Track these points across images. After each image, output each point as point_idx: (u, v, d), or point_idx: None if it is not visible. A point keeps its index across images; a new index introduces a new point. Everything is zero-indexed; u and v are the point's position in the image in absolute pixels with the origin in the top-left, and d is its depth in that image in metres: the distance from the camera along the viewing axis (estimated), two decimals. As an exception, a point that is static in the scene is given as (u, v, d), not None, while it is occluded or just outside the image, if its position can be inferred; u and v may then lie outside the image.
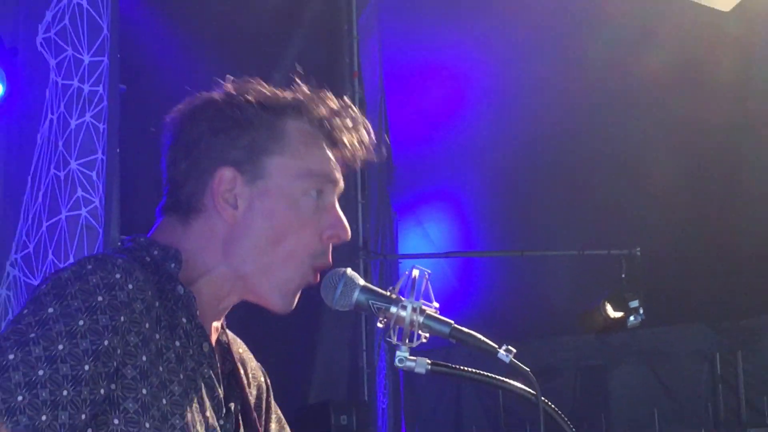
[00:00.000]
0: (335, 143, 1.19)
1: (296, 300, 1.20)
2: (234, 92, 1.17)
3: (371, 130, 1.24)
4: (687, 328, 8.33)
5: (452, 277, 7.26)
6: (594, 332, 7.63)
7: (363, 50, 6.29)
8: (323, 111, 1.19)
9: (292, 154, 1.16)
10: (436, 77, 6.59)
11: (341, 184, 1.22)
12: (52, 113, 3.82)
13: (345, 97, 1.25)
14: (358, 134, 1.20)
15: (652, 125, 7.15)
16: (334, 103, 1.20)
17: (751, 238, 7.18)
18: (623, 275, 6.80)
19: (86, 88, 3.79)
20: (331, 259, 1.20)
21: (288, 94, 1.19)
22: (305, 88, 1.21)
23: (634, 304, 6.73)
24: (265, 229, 1.15)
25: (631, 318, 6.86)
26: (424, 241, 7.40)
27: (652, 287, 7.01)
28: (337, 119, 1.19)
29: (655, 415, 7.91)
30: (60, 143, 3.78)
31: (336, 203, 1.22)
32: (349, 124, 1.20)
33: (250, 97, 1.16)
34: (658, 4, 6.58)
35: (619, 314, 6.92)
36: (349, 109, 1.22)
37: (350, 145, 1.20)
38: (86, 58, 3.80)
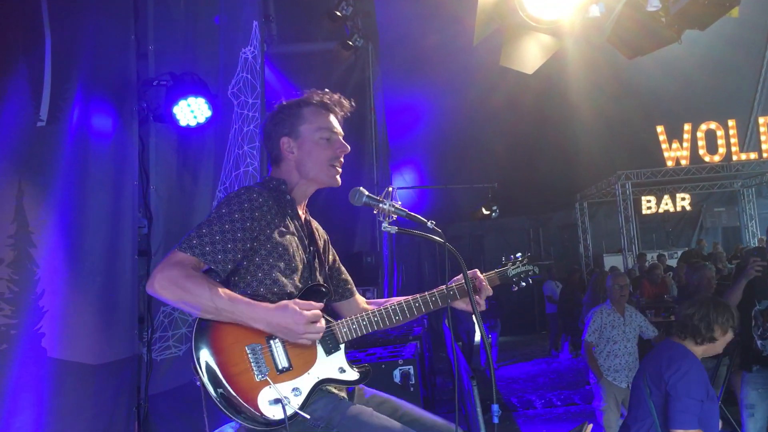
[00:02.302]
0: (331, 110, 2.45)
1: (339, 180, 2.44)
2: (284, 102, 2.46)
3: (347, 105, 2.51)
4: (517, 218, 17.15)
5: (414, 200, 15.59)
6: (477, 220, 16.08)
7: (376, 97, 13.73)
8: (323, 98, 2.43)
9: (310, 122, 2.40)
10: (410, 108, 14.45)
11: (338, 129, 2.45)
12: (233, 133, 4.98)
13: (338, 96, 2.49)
14: (342, 104, 2.47)
15: (508, 112, 15.13)
16: (330, 95, 2.46)
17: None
18: (489, 195, 15.07)
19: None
20: (342, 162, 2.45)
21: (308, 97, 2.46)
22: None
23: (494, 208, 15.06)
24: (309, 157, 2.39)
25: (493, 214, 15.23)
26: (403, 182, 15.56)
27: (505, 200, 15.42)
28: (330, 100, 2.45)
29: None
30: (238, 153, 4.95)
31: (339, 138, 2.45)
32: (336, 99, 2.46)
33: (287, 104, 2.44)
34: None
35: (488, 212, 15.28)
36: (339, 96, 2.46)
37: (339, 108, 2.46)
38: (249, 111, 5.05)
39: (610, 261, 15.73)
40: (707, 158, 15.03)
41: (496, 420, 1.96)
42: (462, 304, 2.49)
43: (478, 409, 2.98)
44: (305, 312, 2.08)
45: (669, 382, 3.14)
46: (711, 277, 6.40)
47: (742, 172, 16.70)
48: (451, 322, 3.71)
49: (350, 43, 10.24)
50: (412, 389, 5.22)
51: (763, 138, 14.97)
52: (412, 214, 2.27)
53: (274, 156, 2.45)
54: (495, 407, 1.98)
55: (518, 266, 2.65)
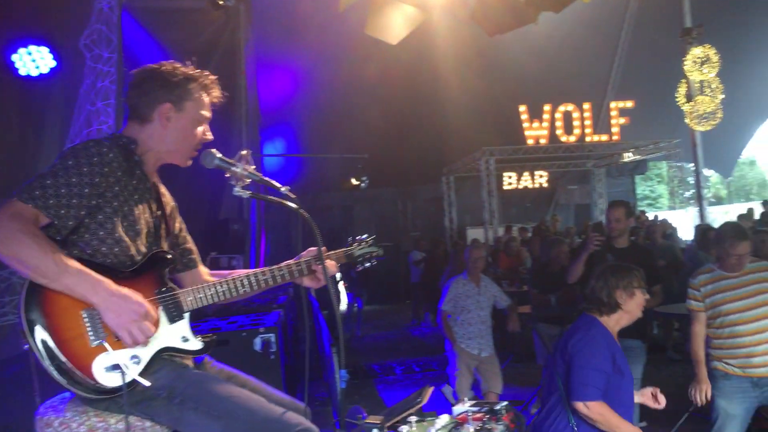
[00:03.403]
0: (211, 96, 2.38)
1: (189, 162, 2.35)
2: (175, 67, 2.30)
3: (221, 97, 2.41)
4: (386, 190, 17.46)
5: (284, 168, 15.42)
6: (347, 190, 16.18)
7: (247, 61, 13.40)
8: (211, 83, 2.37)
9: (196, 101, 2.31)
10: (283, 75, 14.19)
11: (209, 114, 2.35)
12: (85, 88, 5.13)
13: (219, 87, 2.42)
14: (220, 96, 2.40)
15: (384, 84, 15.24)
16: (216, 83, 2.38)
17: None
18: (360, 166, 15.20)
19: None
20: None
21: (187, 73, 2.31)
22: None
23: (364, 179, 15.21)
24: (179, 134, 2.29)
25: (362, 185, 15.38)
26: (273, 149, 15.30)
27: (376, 171, 15.61)
28: (214, 86, 2.38)
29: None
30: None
31: (207, 126, 2.36)
32: (219, 89, 2.39)
33: (178, 71, 2.30)
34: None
35: (357, 183, 15.41)
36: (213, 79, 2.38)
37: (216, 98, 2.39)
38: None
39: (473, 233, 16.37)
40: (564, 138, 15.92)
41: (343, 385, 2.01)
42: (308, 281, 2.45)
43: (337, 376, 3.03)
44: (143, 309, 2.00)
45: (571, 353, 3.04)
46: (565, 252, 6.84)
47: (594, 152, 17.87)
48: (318, 291, 3.71)
49: (220, 2, 9.88)
50: (273, 357, 5.22)
51: (613, 122, 16.05)
52: (266, 179, 2.22)
53: (142, 114, 2.28)
54: (342, 373, 2.02)
55: (363, 247, 2.65)
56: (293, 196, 2.22)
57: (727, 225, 4.24)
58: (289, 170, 16.04)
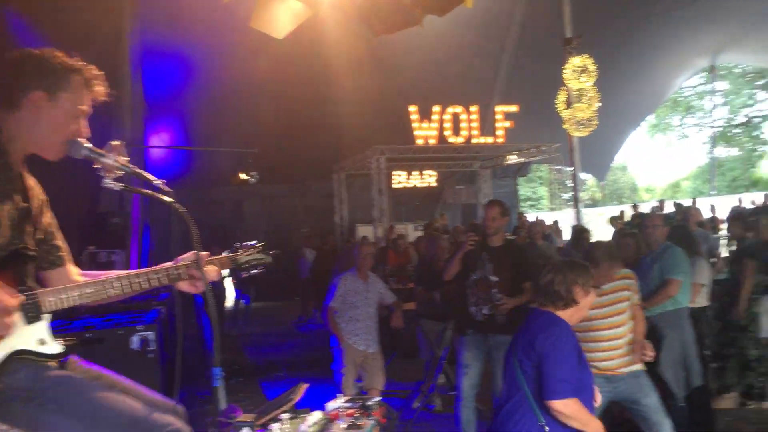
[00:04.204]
0: (93, 93, 2.21)
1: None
2: (52, 54, 2.14)
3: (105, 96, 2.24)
4: (277, 186, 17.30)
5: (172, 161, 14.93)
6: (237, 185, 15.89)
7: (132, 48, 12.87)
8: (95, 78, 2.19)
9: (73, 93, 2.13)
10: (171, 65, 13.72)
11: (88, 109, 2.18)
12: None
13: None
14: (104, 93, 2.23)
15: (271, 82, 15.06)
16: (102, 78, 2.21)
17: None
18: (249, 160, 14.96)
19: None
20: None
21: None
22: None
23: (253, 174, 15.00)
24: (50, 126, 2.12)
25: (252, 180, 15.16)
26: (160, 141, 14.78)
27: (267, 167, 15.41)
28: (99, 82, 2.20)
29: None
30: None
31: (85, 121, 2.17)
32: (104, 87, 2.22)
33: (56, 58, 2.13)
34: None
35: (247, 178, 15.17)
36: (98, 74, 2.20)
37: (99, 95, 2.22)
38: None
39: (363, 231, 16.50)
40: (452, 139, 16.33)
41: (216, 383, 1.99)
42: (186, 287, 2.33)
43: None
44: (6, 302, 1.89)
45: (541, 352, 2.97)
46: (445, 248, 7.04)
47: (480, 154, 18.46)
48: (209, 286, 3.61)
49: (103, -14, 9.44)
50: (151, 355, 5.07)
51: (498, 125, 16.64)
52: (138, 170, 2.12)
53: (11, 100, 2.11)
54: (216, 371, 2.00)
55: (251, 254, 2.59)
56: (168, 189, 2.14)
57: (597, 246, 4.49)
58: (177, 163, 15.55)
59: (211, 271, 2.34)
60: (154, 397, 2.19)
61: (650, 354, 4.06)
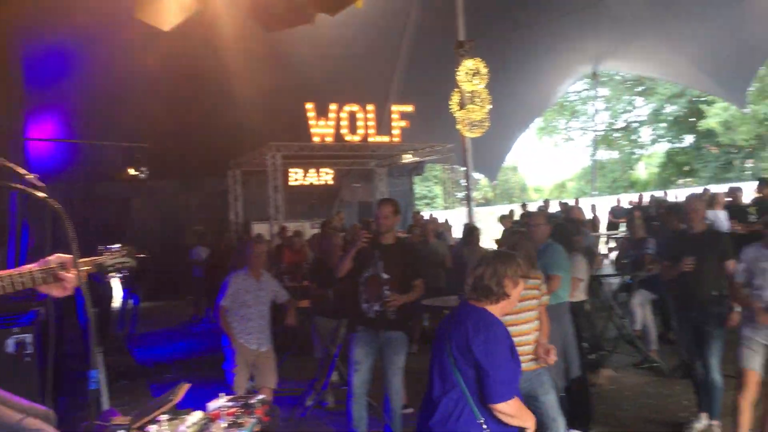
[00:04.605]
0: None
1: None
2: None
3: None
4: (168, 182, 16.79)
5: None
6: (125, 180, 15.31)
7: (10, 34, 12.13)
8: None
9: None
10: (55, 54, 13.03)
11: None
12: None
13: None
14: None
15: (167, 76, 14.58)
16: None
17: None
18: (138, 156, 14.45)
19: None
20: None
21: None
22: None
23: (143, 169, 14.49)
24: None
25: (141, 175, 14.64)
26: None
27: (157, 162, 14.91)
28: None
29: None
30: None
31: None
32: None
33: None
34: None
35: (136, 173, 14.64)
36: None
37: None
38: None
39: (259, 228, 16.30)
40: (349, 137, 16.41)
41: (92, 386, 1.93)
42: (54, 290, 2.21)
43: (101, 376, 2.89)
44: None
45: (478, 353, 2.88)
46: (338, 245, 7.08)
47: (376, 153, 18.64)
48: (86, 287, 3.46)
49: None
50: (28, 359, 4.83)
51: (394, 124, 16.88)
52: (8, 164, 2.02)
53: None
54: (92, 373, 1.94)
55: (116, 257, 2.50)
56: (42, 184, 2.03)
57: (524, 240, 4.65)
58: (61, 157, 14.78)
59: (74, 275, 2.22)
60: (22, 403, 2.09)
61: (552, 359, 4.08)
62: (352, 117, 16.41)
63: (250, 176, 18.45)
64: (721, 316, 5.19)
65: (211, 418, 2.52)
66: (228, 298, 5.92)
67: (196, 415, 2.46)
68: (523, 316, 4.21)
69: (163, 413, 2.39)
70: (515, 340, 3.98)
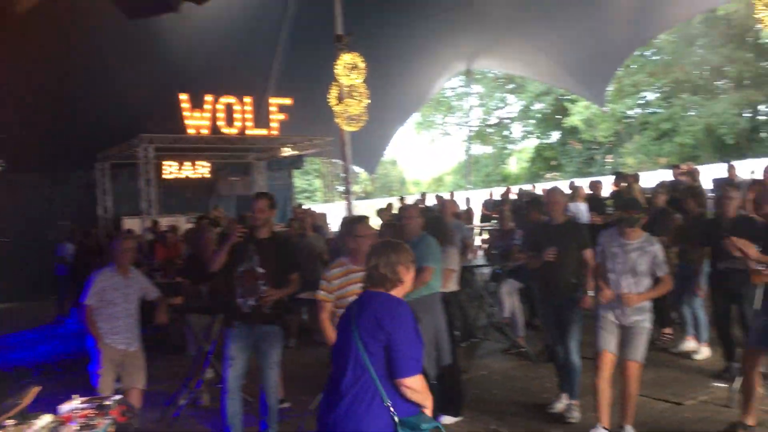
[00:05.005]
0: None
1: None
2: None
3: None
4: (31, 175, 15.74)
5: None
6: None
7: None
8: None
9: None
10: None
11: None
12: None
13: None
14: None
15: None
16: None
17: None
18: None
19: None
20: None
21: None
22: None
23: (0, 162, 13.51)
24: None
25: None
26: None
27: (17, 154, 13.88)
28: None
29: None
30: None
31: None
32: None
33: None
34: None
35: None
36: None
37: None
38: None
39: (130, 224, 15.65)
40: (226, 130, 16.08)
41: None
42: None
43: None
44: None
45: (391, 332, 2.93)
46: (211, 239, 6.95)
47: (255, 146, 18.38)
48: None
49: None
50: None
51: (272, 117, 16.71)
52: None
53: None
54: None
55: None
56: None
57: (356, 222, 4.71)
58: None
59: None
60: None
61: None
62: (229, 109, 16.10)
63: (120, 169, 17.63)
64: (577, 301, 5.54)
65: (62, 421, 2.40)
66: (93, 296, 5.63)
67: (45, 419, 2.34)
68: None
69: (9, 418, 2.25)
70: None
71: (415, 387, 2.96)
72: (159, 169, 17.21)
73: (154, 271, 9.66)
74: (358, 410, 2.94)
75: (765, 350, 4.85)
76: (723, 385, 6.00)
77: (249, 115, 16.34)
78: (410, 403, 3.00)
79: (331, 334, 4.45)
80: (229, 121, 16.09)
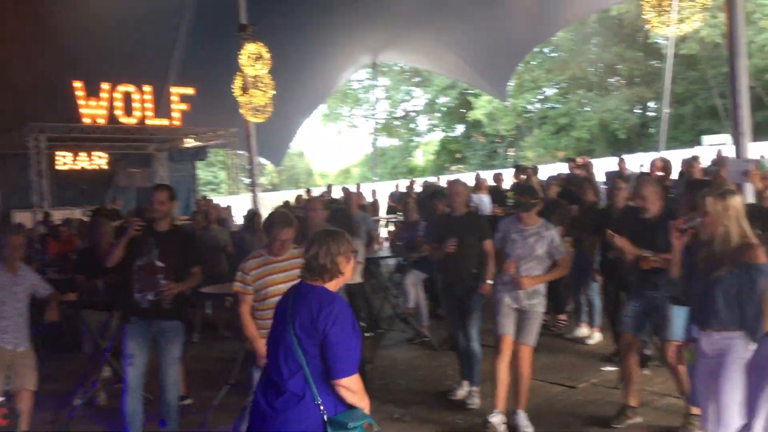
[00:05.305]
0: None
1: None
2: None
3: None
4: None
5: None
6: None
7: None
8: None
9: None
10: None
11: None
12: None
13: None
14: None
15: None
16: None
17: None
18: None
19: None
20: None
21: None
22: None
23: None
24: None
25: None
26: None
27: None
28: None
29: None
30: None
31: None
32: None
33: None
34: None
35: None
36: None
37: None
38: None
39: (21, 218, 14.86)
40: (124, 120, 15.50)
41: None
42: None
43: None
44: None
45: (326, 331, 2.87)
46: (107, 233, 6.70)
47: (155, 136, 17.80)
48: None
49: None
50: None
51: (174, 107, 16.24)
52: None
53: None
54: None
55: None
56: None
57: (274, 213, 4.64)
58: None
59: None
60: None
61: None
62: (128, 98, 15.55)
63: (8, 160, 16.66)
64: (479, 289, 5.71)
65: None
66: (-22, 295, 5.32)
67: None
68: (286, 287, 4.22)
69: None
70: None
71: (351, 387, 2.91)
72: (52, 160, 16.39)
73: (46, 267, 9.20)
74: (294, 407, 2.90)
75: (638, 335, 5.14)
76: (613, 368, 6.33)
77: (149, 105, 15.81)
78: (342, 401, 2.95)
79: (251, 327, 4.37)
80: (128, 110, 15.52)
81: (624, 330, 5.13)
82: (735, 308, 3.53)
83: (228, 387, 5.85)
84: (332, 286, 3.09)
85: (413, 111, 45.18)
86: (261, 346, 4.22)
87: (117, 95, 15.34)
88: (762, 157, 11.59)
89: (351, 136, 50.02)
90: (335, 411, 2.91)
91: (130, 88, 15.53)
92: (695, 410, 4.47)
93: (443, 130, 44.23)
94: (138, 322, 4.88)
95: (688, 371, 3.74)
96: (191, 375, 6.42)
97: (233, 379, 5.91)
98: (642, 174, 9.74)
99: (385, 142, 45.09)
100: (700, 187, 4.29)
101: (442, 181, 20.25)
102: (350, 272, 3.18)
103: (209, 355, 8.00)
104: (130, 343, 4.86)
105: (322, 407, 2.88)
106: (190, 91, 16.55)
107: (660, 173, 8.47)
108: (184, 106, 16.40)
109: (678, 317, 4.66)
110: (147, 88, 15.80)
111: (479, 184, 12.33)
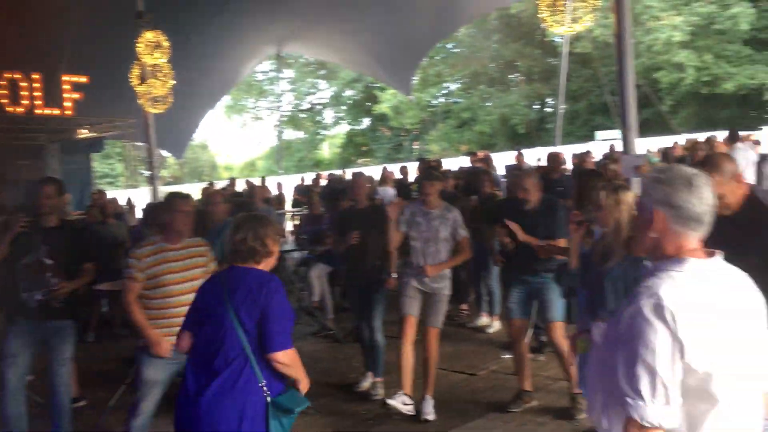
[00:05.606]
0: None
1: None
2: None
3: None
4: None
5: None
6: None
7: None
8: None
9: None
10: None
11: None
12: None
13: None
14: None
15: None
16: None
17: None
18: None
19: None
20: None
21: None
22: None
23: None
24: None
25: None
26: None
27: None
28: None
29: None
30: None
31: None
32: None
33: None
34: None
35: None
36: None
37: None
38: None
39: None
40: (10, 108, 14.61)
41: None
42: None
43: None
44: None
45: (265, 307, 2.94)
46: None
47: (46, 126, 16.89)
48: None
49: None
50: None
51: (65, 96, 15.45)
52: None
53: None
54: None
55: None
56: None
57: (170, 196, 4.47)
58: None
59: None
60: None
61: None
62: (14, 85, 14.64)
63: None
64: (382, 282, 5.76)
65: None
66: None
67: None
68: (190, 284, 4.06)
69: None
70: (184, 303, 3.88)
71: (287, 362, 2.99)
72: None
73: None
74: (230, 392, 2.92)
75: (525, 320, 5.33)
76: (511, 355, 6.56)
77: (38, 93, 14.96)
78: (282, 381, 3.03)
79: (139, 316, 4.13)
80: (15, 98, 14.63)
81: (511, 316, 5.32)
82: (623, 299, 3.72)
83: (125, 387, 5.67)
84: (264, 266, 3.18)
85: (319, 104, 45.00)
86: (152, 334, 4.09)
87: (2, 83, 14.42)
88: (648, 151, 12.26)
89: (256, 128, 49.27)
90: (278, 392, 2.99)
91: (17, 75, 14.64)
92: (580, 390, 4.73)
93: (349, 123, 44.31)
94: (25, 323, 4.63)
95: (580, 360, 3.91)
96: (86, 375, 6.17)
97: (130, 378, 5.72)
98: (540, 167, 10.12)
99: (290, 134, 44.76)
100: (589, 177, 4.50)
101: (348, 174, 20.35)
102: (277, 252, 3.26)
103: (104, 355, 7.71)
104: (13, 343, 4.61)
105: (265, 388, 2.94)
106: (83, 79, 15.76)
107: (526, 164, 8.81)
108: (77, 95, 15.60)
109: (558, 299, 4.97)
110: (36, 75, 14.94)
111: (385, 177, 12.45)
